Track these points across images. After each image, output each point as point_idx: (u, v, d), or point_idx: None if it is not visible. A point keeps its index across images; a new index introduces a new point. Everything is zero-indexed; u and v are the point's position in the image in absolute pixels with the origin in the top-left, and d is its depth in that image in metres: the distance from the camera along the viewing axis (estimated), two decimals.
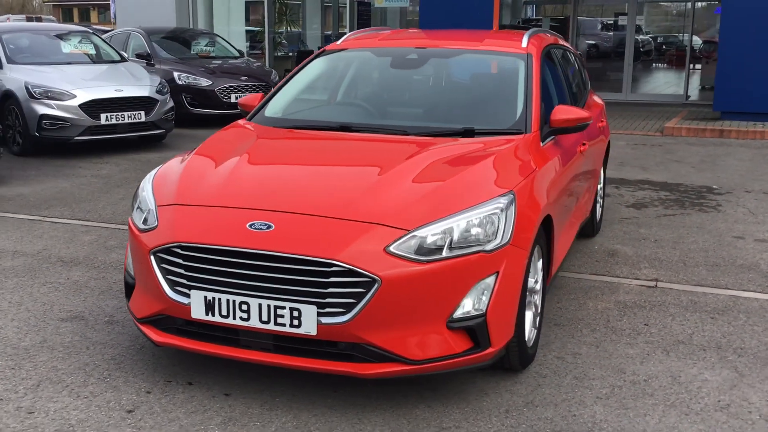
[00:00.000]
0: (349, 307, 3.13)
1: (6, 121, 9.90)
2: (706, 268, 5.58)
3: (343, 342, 3.20)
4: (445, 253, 3.22)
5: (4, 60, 10.14)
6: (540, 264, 3.93)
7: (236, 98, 11.17)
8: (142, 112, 9.95)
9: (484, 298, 3.30)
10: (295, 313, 3.17)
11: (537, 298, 3.93)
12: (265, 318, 3.21)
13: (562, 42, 5.79)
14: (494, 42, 4.93)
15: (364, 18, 22.05)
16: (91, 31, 11.70)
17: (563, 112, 4.28)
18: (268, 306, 3.20)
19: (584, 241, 6.18)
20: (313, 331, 3.17)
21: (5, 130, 9.90)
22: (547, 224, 3.95)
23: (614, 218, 6.96)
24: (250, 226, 3.28)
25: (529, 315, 3.79)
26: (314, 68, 5.01)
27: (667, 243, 6.21)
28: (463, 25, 13.73)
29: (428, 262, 3.18)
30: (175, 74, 12.23)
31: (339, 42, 5.18)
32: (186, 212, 3.47)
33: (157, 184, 3.76)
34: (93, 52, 11.13)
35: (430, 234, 3.23)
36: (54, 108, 9.46)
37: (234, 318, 3.26)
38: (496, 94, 4.59)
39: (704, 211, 7.29)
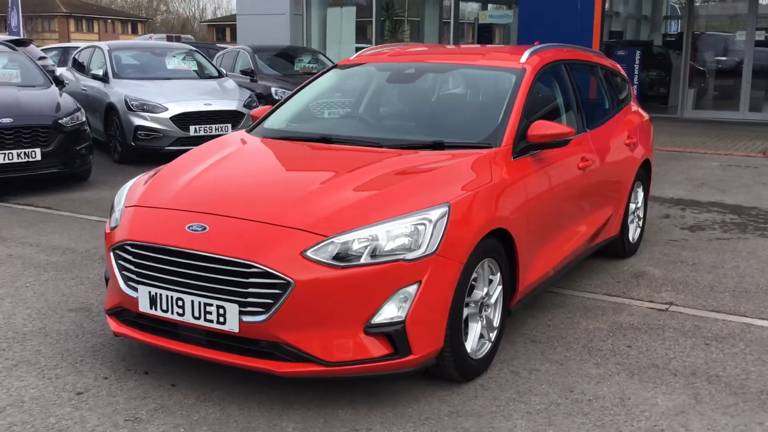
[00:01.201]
0: (267, 308, 3.31)
1: (109, 131, 10.73)
2: (733, 294, 5.33)
3: (264, 340, 3.37)
4: (363, 260, 3.33)
5: (111, 75, 11.01)
6: (497, 278, 3.95)
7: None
8: (229, 125, 10.50)
9: (404, 305, 3.38)
10: (221, 311, 3.37)
11: (492, 312, 3.95)
12: (196, 314, 3.44)
13: (587, 56, 5.73)
14: (494, 57, 4.97)
15: (485, 35, 22.09)
16: (195, 49, 12.45)
17: (540, 128, 4.27)
18: (199, 303, 3.42)
19: (613, 262, 6.04)
20: (236, 329, 3.36)
21: (108, 140, 10.75)
22: (508, 238, 3.96)
23: (661, 240, 6.73)
24: (189, 227, 3.52)
25: (475, 327, 3.82)
26: (322, 82, 5.23)
27: (705, 267, 5.96)
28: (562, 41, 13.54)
29: (345, 267, 3.31)
30: (273, 89, 12.80)
31: (353, 57, 5.37)
32: (141, 213, 3.76)
33: (132, 188, 4.08)
34: (195, 68, 11.85)
35: (349, 241, 3.35)
36: (148, 120, 10.17)
37: (172, 313, 3.51)
38: (477, 108, 4.64)
39: (765, 236, 6.91)
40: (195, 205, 3.68)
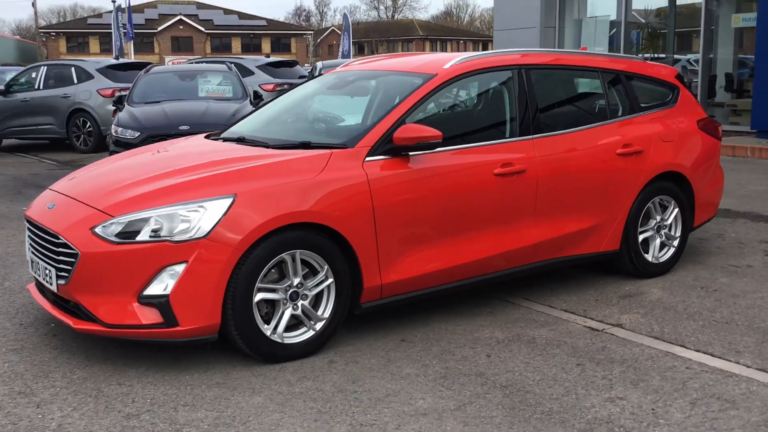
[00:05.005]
0: (68, 273, 3.99)
1: None
2: (706, 324, 4.77)
3: (72, 301, 4.06)
4: (139, 238, 3.86)
5: None
6: (325, 270, 4.16)
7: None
8: None
9: (171, 281, 3.84)
10: (50, 273, 4.13)
11: (315, 302, 4.20)
12: (43, 276, 4.24)
13: (575, 61, 5.46)
14: (423, 63, 5.04)
15: None
16: None
17: (406, 131, 4.36)
18: (43, 266, 4.22)
19: (620, 280, 5.63)
20: (55, 289, 4.10)
21: None
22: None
23: (717, 264, 6.04)
24: (47, 205, 4.34)
25: (281, 312, 4.10)
26: (300, 89, 5.72)
27: (722, 295, 5.31)
28: None
29: (120, 244, 3.87)
30: None
31: (340, 66, 5.79)
32: (44, 194, 4.67)
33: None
34: None
35: (132, 221, 3.90)
36: None
37: (36, 275, 4.35)
38: (371, 111, 4.80)
39: None
40: (67, 188, 4.49)
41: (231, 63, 13.62)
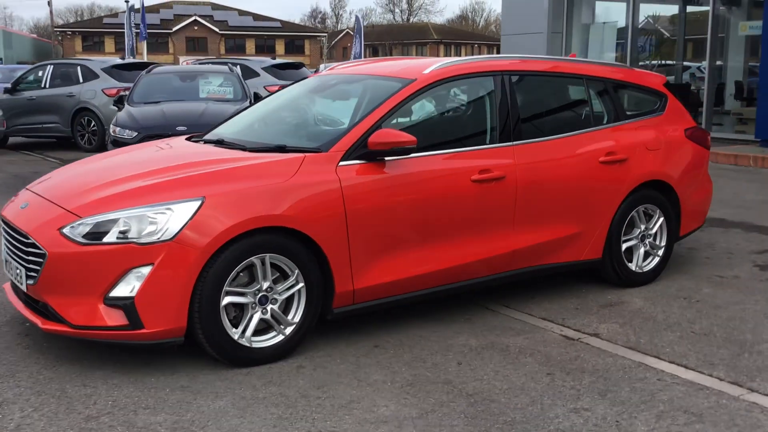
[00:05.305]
0: (37, 273, 4.00)
1: None
2: (686, 336, 4.72)
3: (41, 301, 4.06)
4: (105, 240, 3.86)
5: None
6: (295, 274, 4.15)
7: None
8: None
9: (136, 283, 3.83)
10: (21, 273, 4.14)
11: (286, 306, 4.19)
12: (14, 276, 4.25)
13: (561, 68, 5.43)
14: (405, 68, 5.02)
15: None
16: None
17: (381, 136, 4.34)
18: (15, 266, 4.23)
19: (602, 289, 5.58)
20: (25, 289, 4.11)
21: None
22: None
23: (704, 274, 5.98)
24: (21, 205, 4.34)
25: (250, 315, 4.09)
26: (284, 91, 5.71)
27: (703, 306, 5.26)
28: None
29: (86, 245, 3.87)
30: None
31: (325, 70, 5.77)
32: (21, 194, 4.67)
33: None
34: None
35: (99, 222, 3.90)
36: None
37: (11, 275, 4.36)
38: (344, 115, 4.78)
39: None
40: (41, 188, 4.50)
41: (233, 64, 13.66)
